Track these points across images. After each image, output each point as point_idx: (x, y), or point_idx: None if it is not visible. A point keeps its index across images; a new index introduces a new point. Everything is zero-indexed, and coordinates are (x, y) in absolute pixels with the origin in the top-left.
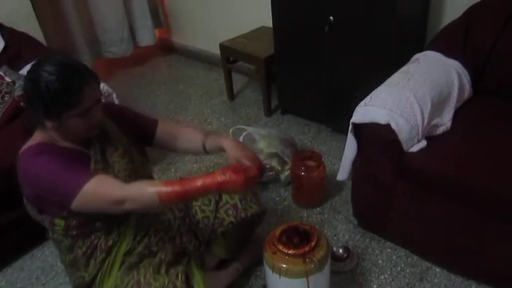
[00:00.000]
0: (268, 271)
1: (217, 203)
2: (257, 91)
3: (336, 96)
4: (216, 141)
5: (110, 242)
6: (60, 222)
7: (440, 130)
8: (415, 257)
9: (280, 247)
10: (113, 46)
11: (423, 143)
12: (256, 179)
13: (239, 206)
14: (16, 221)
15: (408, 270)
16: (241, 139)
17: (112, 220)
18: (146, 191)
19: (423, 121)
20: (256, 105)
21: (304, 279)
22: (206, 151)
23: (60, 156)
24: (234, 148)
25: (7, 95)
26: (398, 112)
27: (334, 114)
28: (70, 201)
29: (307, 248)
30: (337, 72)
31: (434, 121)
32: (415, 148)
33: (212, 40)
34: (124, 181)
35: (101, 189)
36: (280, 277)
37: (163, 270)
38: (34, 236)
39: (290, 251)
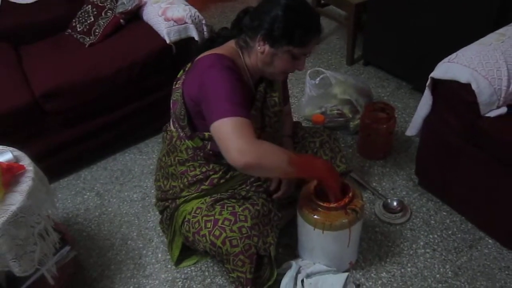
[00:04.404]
0: (308, 228)
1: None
2: (343, 39)
3: (424, 54)
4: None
5: (222, 181)
6: (197, 141)
7: None
8: (470, 225)
9: (321, 203)
10: None
11: (503, 110)
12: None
13: (330, 162)
14: (107, 126)
15: (459, 235)
16: (317, 81)
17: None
18: (279, 150)
19: (508, 87)
20: (339, 53)
21: (347, 229)
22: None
23: (236, 81)
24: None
25: (110, 11)
26: (483, 73)
27: (418, 71)
28: (210, 121)
29: (347, 200)
30: (429, 29)
31: None
32: (493, 113)
33: None
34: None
35: (239, 130)
36: (323, 232)
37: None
38: (119, 142)
39: (332, 205)
